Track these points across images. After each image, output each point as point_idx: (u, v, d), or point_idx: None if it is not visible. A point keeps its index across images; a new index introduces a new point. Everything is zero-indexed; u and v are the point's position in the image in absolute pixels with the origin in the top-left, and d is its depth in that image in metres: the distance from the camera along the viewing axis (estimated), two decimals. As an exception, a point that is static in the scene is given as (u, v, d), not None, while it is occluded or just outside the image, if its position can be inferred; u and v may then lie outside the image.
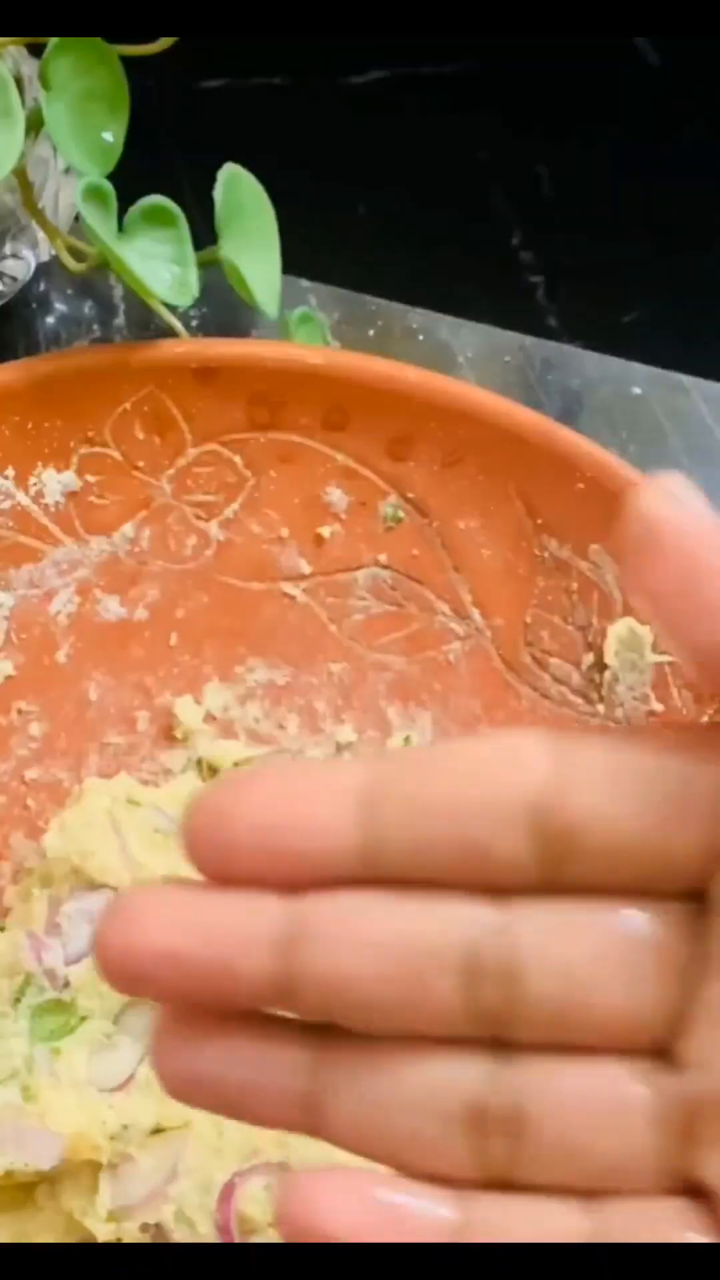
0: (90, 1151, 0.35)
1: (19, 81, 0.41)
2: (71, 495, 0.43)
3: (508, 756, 0.22)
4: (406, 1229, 0.22)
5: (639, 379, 0.53)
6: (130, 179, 0.42)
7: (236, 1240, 0.34)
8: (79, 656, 0.44)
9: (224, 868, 0.22)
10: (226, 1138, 0.35)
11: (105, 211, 0.42)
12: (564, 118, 0.62)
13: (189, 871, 0.41)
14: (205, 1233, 0.34)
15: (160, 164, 0.55)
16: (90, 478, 0.43)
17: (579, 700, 0.43)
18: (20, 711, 0.43)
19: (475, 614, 0.44)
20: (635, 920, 0.21)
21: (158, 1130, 0.35)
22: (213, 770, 0.44)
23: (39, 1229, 0.36)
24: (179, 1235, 0.34)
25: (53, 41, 0.40)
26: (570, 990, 0.22)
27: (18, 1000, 0.37)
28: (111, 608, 0.44)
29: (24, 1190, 0.37)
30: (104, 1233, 0.35)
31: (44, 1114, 0.35)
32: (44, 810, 0.43)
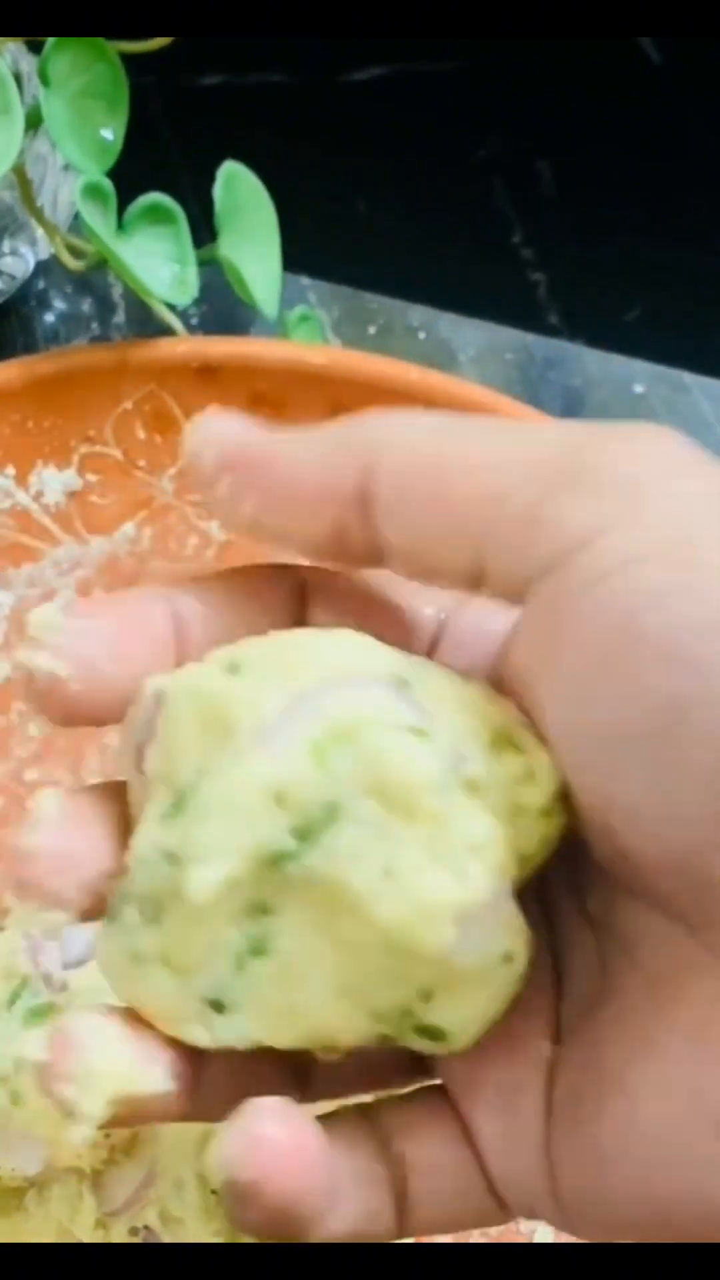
0: (72, 1159, 0.35)
1: (18, 78, 0.41)
2: (72, 494, 0.43)
3: None
4: None
5: (641, 377, 0.53)
6: (129, 176, 0.42)
7: None
8: (79, 656, 0.44)
9: None
10: (190, 1136, 0.35)
11: (104, 209, 0.42)
12: (565, 116, 0.62)
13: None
14: (194, 1228, 0.34)
15: (159, 161, 0.55)
16: (91, 477, 0.43)
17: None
18: (20, 712, 0.43)
19: (476, 613, 0.44)
20: None
21: (132, 1135, 0.35)
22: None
23: (30, 1234, 0.36)
24: (169, 1235, 0.34)
25: (51, 39, 0.40)
26: None
27: (13, 1003, 0.37)
28: (111, 607, 0.44)
29: (14, 1195, 0.37)
30: (93, 1240, 0.35)
31: (29, 1120, 0.35)
32: (44, 810, 0.43)
